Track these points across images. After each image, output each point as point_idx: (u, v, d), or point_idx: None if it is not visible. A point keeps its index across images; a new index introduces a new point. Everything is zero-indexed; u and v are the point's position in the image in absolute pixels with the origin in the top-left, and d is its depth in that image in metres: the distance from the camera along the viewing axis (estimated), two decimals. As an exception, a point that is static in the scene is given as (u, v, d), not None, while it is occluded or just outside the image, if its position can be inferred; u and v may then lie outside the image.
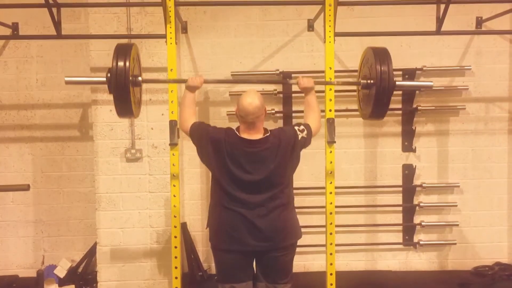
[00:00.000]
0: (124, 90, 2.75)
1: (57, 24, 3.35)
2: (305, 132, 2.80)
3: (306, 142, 2.81)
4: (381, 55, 2.88)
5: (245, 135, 2.69)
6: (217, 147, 2.68)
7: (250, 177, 2.65)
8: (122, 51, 2.80)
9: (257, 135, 2.70)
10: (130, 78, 2.79)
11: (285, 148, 2.71)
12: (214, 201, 2.80)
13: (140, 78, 2.98)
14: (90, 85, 3.78)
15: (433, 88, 4.01)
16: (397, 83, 2.90)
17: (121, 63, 2.73)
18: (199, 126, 2.83)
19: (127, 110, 2.88)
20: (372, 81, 2.90)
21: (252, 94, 2.74)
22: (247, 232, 2.67)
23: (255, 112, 2.66)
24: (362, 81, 3.03)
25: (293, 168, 2.81)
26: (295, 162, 2.80)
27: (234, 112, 2.84)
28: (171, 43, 3.13)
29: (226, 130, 2.77)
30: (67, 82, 2.99)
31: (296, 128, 2.81)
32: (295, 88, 3.98)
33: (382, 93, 2.83)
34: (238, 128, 2.75)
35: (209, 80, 3.16)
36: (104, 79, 2.81)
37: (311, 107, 2.96)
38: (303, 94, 3.93)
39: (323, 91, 3.25)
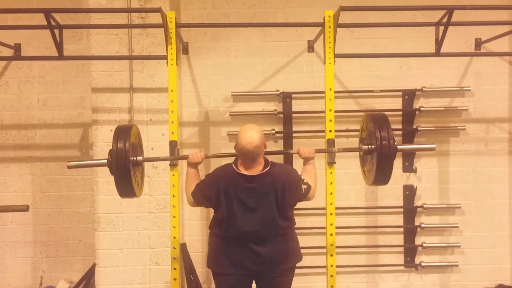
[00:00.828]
0: (124, 171, 2.78)
1: (59, 46, 3.37)
2: (306, 187, 2.79)
3: (303, 196, 2.79)
4: (380, 122, 2.87)
5: (244, 171, 2.68)
6: (217, 191, 2.68)
7: (252, 215, 2.65)
8: (122, 133, 2.83)
9: (257, 169, 2.68)
10: (131, 158, 2.81)
11: (288, 185, 2.70)
12: (213, 233, 2.83)
13: (141, 158, 3.00)
14: (91, 105, 3.78)
15: (433, 108, 4.04)
16: (398, 147, 2.87)
17: (121, 145, 2.76)
18: (197, 189, 2.79)
19: (128, 191, 2.90)
20: (372, 147, 2.88)
21: (251, 131, 2.67)
22: (247, 257, 2.68)
23: (254, 151, 2.64)
24: (363, 147, 3.01)
25: (292, 206, 2.79)
26: (295, 202, 2.80)
27: (234, 147, 2.78)
28: (172, 64, 3.14)
29: (223, 169, 2.78)
30: (69, 167, 3.01)
31: (302, 177, 2.80)
32: (295, 108, 4.02)
33: (384, 159, 2.81)
34: (236, 162, 2.74)
35: (210, 155, 3.19)
36: (105, 161, 2.84)
37: (309, 174, 2.90)
38: (303, 115, 4.00)
39: (323, 112, 3.25)
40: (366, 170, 3.10)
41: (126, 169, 2.77)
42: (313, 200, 3.92)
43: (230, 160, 2.81)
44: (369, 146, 2.93)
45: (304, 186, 2.76)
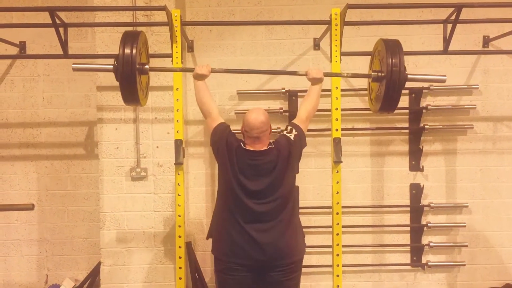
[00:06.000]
0: (130, 78, 2.73)
1: (64, 44, 3.36)
2: (294, 130, 2.82)
3: (301, 138, 2.82)
4: (392, 47, 2.83)
5: (249, 147, 2.74)
6: (231, 153, 2.72)
7: (254, 186, 2.68)
8: (129, 39, 2.78)
9: (261, 147, 2.74)
10: (137, 66, 2.76)
11: (283, 156, 2.73)
12: (218, 207, 2.83)
13: (147, 66, 2.96)
14: (96, 104, 3.77)
15: (440, 107, 4.00)
16: (408, 76, 2.85)
17: (127, 51, 2.72)
18: (223, 130, 2.82)
19: (133, 98, 2.86)
20: (382, 74, 2.85)
21: (257, 110, 2.81)
22: (249, 247, 2.67)
23: (260, 127, 2.71)
24: (372, 73, 2.97)
25: (294, 171, 2.81)
26: (295, 165, 2.82)
27: (240, 131, 2.85)
28: (177, 63, 3.13)
29: (240, 140, 2.82)
30: (75, 69, 2.97)
31: (285, 132, 2.84)
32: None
33: (393, 86, 2.78)
34: (244, 142, 2.80)
35: (216, 69, 3.13)
36: (111, 66, 2.79)
37: (311, 95, 2.97)
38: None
39: (329, 110, 3.23)
40: (374, 98, 3.08)
41: (132, 76, 2.72)
42: (319, 198, 3.95)
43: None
44: (379, 73, 2.90)
45: (293, 133, 2.81)
